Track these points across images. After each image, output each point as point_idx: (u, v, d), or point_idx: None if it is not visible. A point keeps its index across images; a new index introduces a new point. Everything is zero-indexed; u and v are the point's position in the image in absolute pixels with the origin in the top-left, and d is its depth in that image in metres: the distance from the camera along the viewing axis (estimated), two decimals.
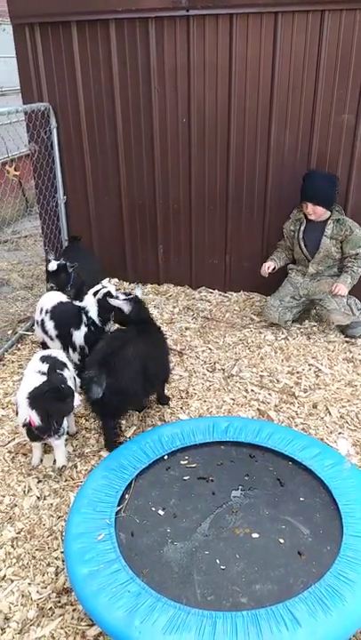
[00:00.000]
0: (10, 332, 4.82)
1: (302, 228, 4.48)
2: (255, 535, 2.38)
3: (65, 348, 3.78)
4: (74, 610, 2.34)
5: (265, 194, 4.94)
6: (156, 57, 4.65)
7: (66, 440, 3.22)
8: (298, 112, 4.56)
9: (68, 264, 4.25)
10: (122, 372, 3.01)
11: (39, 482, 3.05)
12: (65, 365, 3.22)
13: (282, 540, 2.36)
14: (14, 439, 3.39)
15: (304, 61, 4.38)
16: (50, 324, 3.81)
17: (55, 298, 3.95)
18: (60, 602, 2.38)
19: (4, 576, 2.51)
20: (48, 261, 4.31)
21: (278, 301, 4.62)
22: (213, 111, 4.74)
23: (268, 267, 4.67)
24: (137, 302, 3.48)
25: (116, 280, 5.63)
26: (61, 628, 2.28)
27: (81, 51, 4.77)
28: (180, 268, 5.47)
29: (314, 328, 4.72)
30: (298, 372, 4.06)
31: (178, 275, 5.52)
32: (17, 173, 4.49)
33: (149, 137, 4.95)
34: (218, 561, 2.26)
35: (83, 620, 2.30)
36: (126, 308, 3.38)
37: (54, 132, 5.03)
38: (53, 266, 4.24)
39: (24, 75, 4.96)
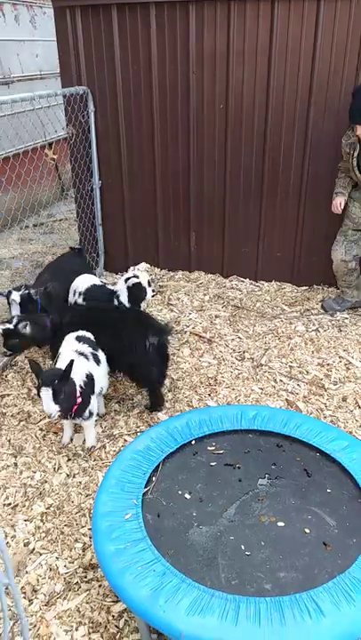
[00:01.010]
0: None
1: (356, 153, 4.13)
2: (281, 524, 2.39)
3: None
4: (100, 586, 2.40)
5: (301, 183, 4.88)
6: (196, 41, 4.61)
7: (95, 421, 3.28)
8: (338, 98, 4.47)
9: (31, 292, 3.91)
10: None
11: (69, 460, 3.13)
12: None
13: (307, 530, 2.35)
14: (46, 418, 3.47)
15: (346, 46, 4.29)
16: None
17: (89, 280, 4.03)
18: (86, 577, 2.45)
19: (33, 549, 2.59)
20: (9, 293, 3.92)
21: (343, 237, 4.52)
22: (251, 98, 4.68)
23: (339, 203, 4.37)
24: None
25: (147, 266, 5.65)
26: (87, 603, 2.35)
27: (121, 34, 4.75)
28: (212, 255, 5.45)
29: (346, 320, 4.66)
30: (328, 364, 4.02)
31: (209, 262, 5.50)
32: (55, 157, 4.53)
33: (186, 123, 4.92)
34: (243, 546, 2.28)
35: (108, 596, 2.36)
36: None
37: (92, 115, 5.05)
38: (16, 297, 3.86)
39: (64, 58, 4.98)
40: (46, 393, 2.72)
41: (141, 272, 4.03)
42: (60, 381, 2.74)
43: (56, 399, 2.73)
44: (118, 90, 4.96)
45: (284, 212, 5.04)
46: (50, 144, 5.48)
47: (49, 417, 2.80)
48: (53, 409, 2.74)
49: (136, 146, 5.16)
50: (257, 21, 4.40)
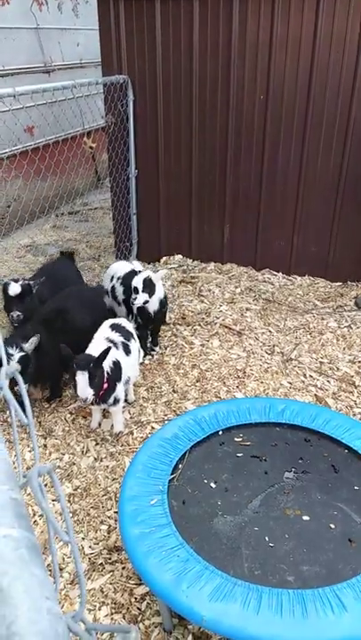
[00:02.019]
0: None
1: None
2: (306, 517, 2.38)
3: (129, 313, 4.00)
4: (123, 568, 2.44)
5: (339, 178, 4.80)
6: (238, 32, 4.57)
7: (123, 407, 3.32)
8: None
9: (31, 283, 3.60)
10: None
11: (97, 444, 3.18)
12: (132, 335, 3.30)
13: (333, 526, 2.35)
14: (75, 402, 3.53)
15: None
16: (120, 290, 4.05)
17: (127, 267, 4.10)
18: (110, 559, 2.49)
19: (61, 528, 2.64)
20: (6, 284, 3.56)
21: None
22: (293, 90, 4.62)
23: None
24: None
25: (180, 256, 5.67)
26: (110, 584, 2.39)
27: (163, 24, 4.75)
28: (245, 248, 5.43)
29: None
30: (359, 362, 3.97)
31: (242, 255, 5.48)
32: (93, 145, 4.57)
33: (225, 113, 4.89)
34: (267, 538, 2.28)
35: (131, 578, 2.40)
36: None
37: (131, 104, 5.06)
38: (16, 289, 3.49)
39: (105, 47, 5.00)
40: (82, 377, 2.77)
41: (150, 274, 3.79)
42: (95, 366, 2.79)
43: (92, 383, 2.78)
44: (158, 79, 4.96)
45: (321, 207, 4.97)
46: (88, 133, 5.52)
47: (83, 401, 2.84)
48: (88, 393, 2.78)
49: (174, 136, 5.16)
50: (301, 11, 4.33)
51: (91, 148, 4.51)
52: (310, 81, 4.52)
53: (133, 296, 3.70)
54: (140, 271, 3.86)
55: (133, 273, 3.93)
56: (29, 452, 3.09)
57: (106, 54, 5.03)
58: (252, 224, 5.28)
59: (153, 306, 3.84)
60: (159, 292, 3.88)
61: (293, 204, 5.03)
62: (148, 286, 3.69)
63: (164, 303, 3.99)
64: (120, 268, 4.19)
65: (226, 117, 4.90)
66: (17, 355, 2.95)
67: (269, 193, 5.07)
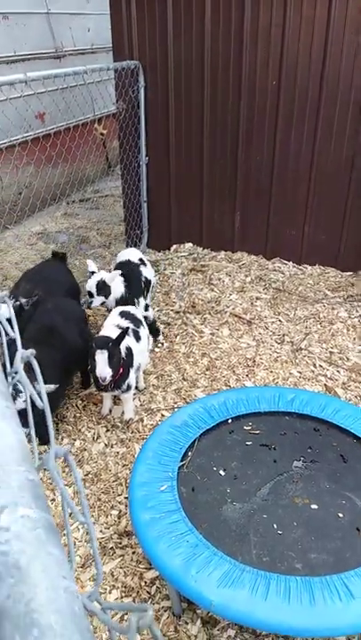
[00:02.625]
0: None
1: None
2: (314, 506, 2.40)
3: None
4: (133, 552, 2.48)
5: (352, 165, 4.74)
6: (251, 14, 4.49)
7: (134, 395, 3.34)
8: None
9: (22, 303, 3.33)
10: None
11: (107, 431, 3.21)
12: (141, 323, 3.31)
13: (341, 515, 2.36)
14: (87, 389, 3.56)
15: None
16: None
17: (130, 255, 4.12)
18: (120, 543, 2.53)
19: (71, 513, 2.67)
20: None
21: None
22: (305, 75, 4.55)
23: None
24: None
25: (191, 245, 5.65)
26: (121, 568, 2.43)
27: (175, 9, 4.68)
28: (256, 236, 5.39)
29: None
30: None
31: (253, 244, 5.45)
32: (104, 132, 4.55)
33: (236, 100, 4.84)
34: (275, 525, 2.30)
35: (141, 562, 2.43)
36: None
37: (142, 91, 5.02)
38: (5, 312, 3.28)
39: (117, 32, 4.96)
40: (102, 356, 2.79)
41: (103, 276, 3.67)
42: (113, 345, 2.81)
43: (111, 363, 2.80)
44: (170, 65, 4.91)
45: (332, 196, 4.92)
46: (99, 119, 5.50)
47: (102, 380, 2.86)
48: (108, 372, 2.80)
49: (185, 123, 5.12)
50: None
51: (102, 134, 4.49)
52: (323, 66, 4.45)
53: (88, 300, 3.70)
54: (92, 272, 3.72)
55: (130, 264, 3.99)
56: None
57: (117, 39, 4.99)
58: (263, 212, 5.24)
59: (110, 306, 3.77)
60: (116, 292, 3.75)
61: (305, 192, 4.99)
62: (103, 289, 3.66)
63: (122, 301, 3.77)
64: (125, 255, 4.20)
65: (237, 104, 4.85)
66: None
67: (281, 181, 5.03)
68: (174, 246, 5.67)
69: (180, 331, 4.25)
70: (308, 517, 2.35)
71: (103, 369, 2.79)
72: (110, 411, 3.35)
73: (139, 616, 0.46)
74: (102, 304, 3.74)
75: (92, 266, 3.77)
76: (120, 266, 3.98)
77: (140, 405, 3.42)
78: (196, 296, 4.76)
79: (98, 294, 3.65)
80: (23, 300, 3.30)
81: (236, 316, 4.45)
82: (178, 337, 4.17)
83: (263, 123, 4.85)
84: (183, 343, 4.08)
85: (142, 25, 4.84)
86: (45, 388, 2.56)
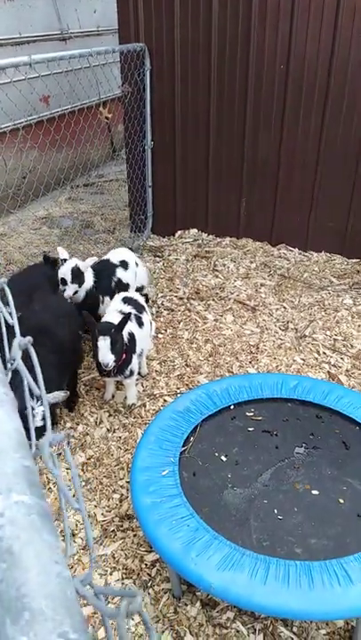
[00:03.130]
0: None
1: None
2: (315, 492, 2.41)
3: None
4: (134, 535, 2.51)
5: (359, 153, 4.68)
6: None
7: (136, 380, 3.35)
8: None
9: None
10: None
11: (110, 416, 3.23)
12: (144, 308, 3.31)
13: (342, 501, 2.37)
14: (90, 374, 3.58)
15: None
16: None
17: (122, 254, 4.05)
18: (122, 526, 2.56)
19: (73, 495, 2.71)
20: None
21: None
22: (314, 59, 4.48)
23: None
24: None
25: (196, 231, 5.62)
26: (122, 550, 2.46)
27: None
28: (262, 223, 5.36)
29: None
30: None
31: (258, 230, 5.42)
32: (109, 115, 4.51)
33: (243, 85, 4.78)
34: (275, 511, 2.32)
35: (142, 545, 2.46)
36: None
37: (147, 74, 4.96)
38: None
39: (123, 14, 4.88)
40: (104, 342, 2.80)
41: (77, 262, 3.54)
42: (116, 331, 2.81)
43: (113, 349, 2.81)
44: (176, 48, 4.84)
45: (339, 182, 4.87)
46: (104, 102, 5.45)
47: (105, 366, 2.86)
48: (110, 358, 2.81)
49: (191, 107, 5.06)
50: None
51: (106, 118, 4.45)
52: (333, 51, 4.38)
53: (61, 287, 3.46)
54: (64, 260, 3.58)
55: (104, 263, 3.86)
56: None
57: (123, 21, 4.91)
58: (269, 198, 5.20)
59: (77, 298, 3.59)
60: (88, 283, 3.62)
61: (311, 178, 4.94)
62: (78, 276, 3.48)
63: (90, 295, 3.67)
64: (115, 255, 4.02)
65: (245, 88, 4.79)
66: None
67: (287, 167, 4.98)
68: (179, 232, 5.64)
69: (183, 317, 4.25)
70: (309, 503, 2.36)
71: (105, 355, 2.80)
72: (113, 396, 3.37)
73: (128, 601, 0.47)
74: (74, 294, 3.51)
75: (63, 253, 3.62)
76: (98, 263, 3.82)
77: (143, 391, 3.44)
78: (201, 282, 4.75)
79: (72, 281, 3.47)
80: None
81: (240, 302, 4.45)
82: (181, 323, 4.17)
83: (271, 107, 4.79)
84: (187, 329, 4.09)
85: (149, 7, 4.77)
86: (56, 396, 2.52)
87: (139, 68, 4.92)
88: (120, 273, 3.87)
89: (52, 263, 3.84)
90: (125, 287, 3.83)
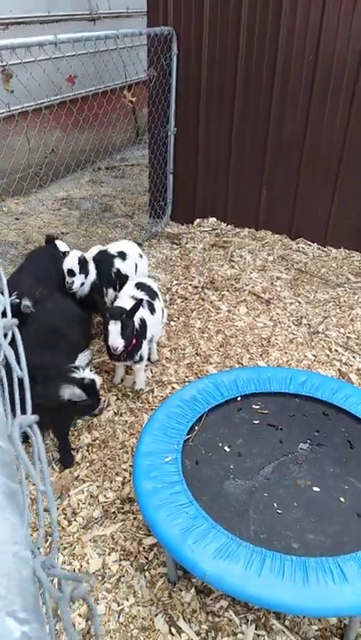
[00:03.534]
0: None
1: None
2: (316, 489, 2.41)
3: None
4: (134, 518, 2.53)
5: None
6: None
7: (146, 366, 3.36)
8: None
9: (22, 305, 3.03)
10: None
11: (117, 399, 3.25)
12: (156, 295, 3.31)
13: (342, 499, 2.36)
14: (100, 357, 3.60)
15: None
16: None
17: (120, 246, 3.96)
18: (123, 509, 2.59)
19: (78, 476, 2.75)
20: None
21: None
22: (344, 50, 4.38)
23: None
24: None
25: (214, 220, 5.59)
26: (121, 532, 2.49)
27: None
28: (282, 215, 5.30)
29: None
30: None
31: (277, 222, 5.37)
32: (133, 99, 4.47)
33: (270, 73, 4.70)
34: (275, 504, 2.32)
35: (141, 529, 2.49)
36: None
37: (174, 58, 4.91)
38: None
39: None
40: (115, 326, 2.80)
41: (82, 253, 3.46)
42: (127, 316, 2.82)
43: (123, 334, 2.82)
44: (204, 33, 4.78)
45: None
46: (129, 86, 5.42)
47: (114, 350, 2.86)
48: (120, 343, 2.82)
49: (216, 93, 5.00)
50: None
51: (130, 102, 4.41)
52: None
53: (69, 279, 3.32)
54: (66, 252, 3.46)
55: (103, 254, 3.74)
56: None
57: (151, 4, 4.86)
58: (291, 190, 5.14)
59: (83, 291, 3.48)
60: (92, 275, 3.50)
61: (335, 172, 4.86)
62: (84, 266, 3.36)
63: (95, 287, 3.56)
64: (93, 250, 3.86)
65: (272, 76, 4.71)
66: None
67: (310, 159, 4.91)
68: (198, 220, 5.61)
69: (196, 306, 4.24)
70: (309, 499, 2.36)
71: (115, 339, 2.81)
72: (122, 380, 3.39)
73: (73, 586, 0.47)
74: (81, 285, 3.40)
75: (63, 246, 3.50)
76: (96, 254, 3.73)
77: (152, 377, 3.45)
78: (216, 272, 4.73)
79: (80, 272, 3.36)
80: (28, 303, 3.02)
81: (254, 294, 4.42)
82: (194, 312, 4.16)
83: (297, 97, 4.71)
84: (199, 318, 4.08)
85: None
86: (87, 356, 2.52)
87: (165, 52, 4.87)
88: (118, 263, 3.75)
89: (55, 244, 3.86)
90: (125, 278, 3.72)
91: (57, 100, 5.35)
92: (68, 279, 3.35)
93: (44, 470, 0.64)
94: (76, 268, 3.35)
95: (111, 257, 3.76)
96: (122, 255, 3.81)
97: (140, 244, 4.39)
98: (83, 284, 3.45)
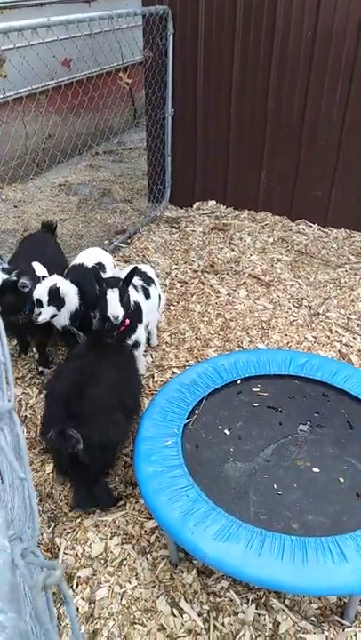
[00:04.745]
0: (106, 242, 4.97)
1: None
2: (316, 470, 2.42)
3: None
4: (136, 502, 2.56)
5: None
6: None
7: (146, 351, 3.36)
8: None
9: (20, 282, 2.93)
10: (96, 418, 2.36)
11: None
12: (152, 281, 3.30)
13: (342, 480, 2.37)
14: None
15: None
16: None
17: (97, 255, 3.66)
18: (125, 492, 2.61)
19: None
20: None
21: None
22: (342, 27, 4.29)
23: None
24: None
25: (214, 202, 5.54)
26: (123, 517, 2.51)
27: None
28: (281, 196, 5.25)
29: None
30: None
31: (277, 204, 5.32)
32: (129, 81, 4.40)
33: (268, 52, 4.61)
34: (275, 486, 2.33)
35: (143, 512, 2.51)
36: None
37: (170, 38, 4.83)
38: None
39: None
40: (113, 294, 2.76)
41: (57, 281, 3.04)
42: (123, 284, 2.80)
43: (122, 301, 2.78)
44: (201, 11, 4.69)
45: None
46: (125, 68, 5.34)
47: (114, 319, 2.78)
48: (121, 310, 2.78)
49: (213, 74, 4.92)
50: None
51: (127, 84, 4.35)
52: None
53: (36, 310, 2.98)
54: (43, 277, 3.13)
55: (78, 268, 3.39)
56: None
57: None
58: (290, 171, 5.08)
59: (61, 321, 3.13)
60: (71, 304, 3.11)
61: (335, 152, 4.80)
62: (55, 298, 2.99)
63: (75, 318, 3.17)
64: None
65: (269, 55, 4.63)
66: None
67: (310, 139, 4.84)
68: (197, 203, 5.57)
69: (196, 290, 4.23)
70: (309, 480, 2.37)
71: (115, 307, 2.76)
72: None
73: (47, 574, 0.47)
74: (52, 317, 3.05)
75: (40, 269, 3.19)
76: (71, 271, 3.34)
77: (152, 362, 3.46)
78: (216, 255, 4.70)
79: (49, 303, 2.98)
80: (25, 281, 2.95)
81: (254, 277, 4.40)
82: (194, 296, 4.15)
83: (295, 77, 4.63)
84: (199, 302, 4.07)
85: None
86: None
87: (161, 32, 4.79)
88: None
89: (51, 229, 3.84)
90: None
91: (52, 85, 5.28)
92: (35, 309, 3.00)
93: (23, 457, 0.63)
94: (45, 299, 2.96)
95: (89, 271, 3.28)
96: (101, 267, 3.43)
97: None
98: (54, 317, 3.06)
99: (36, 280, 3.08)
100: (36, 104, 5.02)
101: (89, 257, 3.48)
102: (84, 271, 3.32)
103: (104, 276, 3.24)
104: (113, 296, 2.77)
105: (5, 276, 2.92)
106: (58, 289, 2.99)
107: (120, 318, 2.80)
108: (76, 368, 2.57)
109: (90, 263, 3.40)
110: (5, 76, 3.87)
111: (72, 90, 5.00)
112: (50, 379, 2.81)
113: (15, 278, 2.94)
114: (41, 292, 2.97)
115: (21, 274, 2.99)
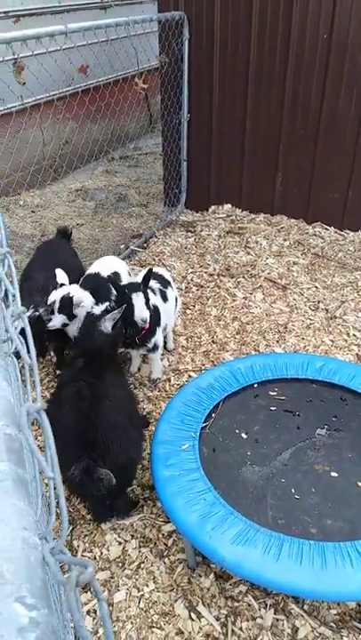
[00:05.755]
0: (122, 247, 5.00)
1: None
2: (334, 474, 2.40)
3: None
4: (154, 505, 2.56)
5: None
6: None
7: (162, 355, 3.37)
8: None
9: (40, 313, 2.98)
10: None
11: (135, 388, 3.27)
12: (169, 283, 3.31)
13: (360, 484, 2.35)
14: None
15: None
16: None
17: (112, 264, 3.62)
18: (142, 495, 2.61)
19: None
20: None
21: None
22: (359, 30, 4.27)
23: None
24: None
25: (229, 206, 5.55)
26: (140, 520, 2.51)
27: None
28: (297, 199, 5.23)
29: None
30: None
31: (293, 207, 5.30)
32: (145, 86, 4.44)
33: (284, 55, 4.61)
34: (293, 490, 2.32)
35: (160, 516, 2.51)
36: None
37: (186, 44, 4.86)
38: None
39: None
40: (138, 297, 2.77)
41: (72, 290, 3.08)
42: (144, 287, 2.81)
43: (147, 304, 2.79)
44: (216, 17, 4.70)
45: None
46: (141, 73, 5.38)
47: (143, 321, 2.79)
48: (147, 313, 2.79)
49: (229, 79, 4.93)
50: None
51: (143, 89, 4.38)
52: None
53: (47, 316, 2.99)
54: (61, 284, 3.14)
55: (92, 277, 3.37)
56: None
57: None
58: (306, 174, 5.06)
59: (74, 330, 3.07)
60: (82, 316, 3.03)
61: (351, 154, 4.77)
62: (66, 307, 2.99)
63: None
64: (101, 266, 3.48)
65: (285, 59, 4.62)
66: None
67: (326, 142, 4.82)
68: (212, 207, 5.58)
69: (212, 293, 4.23)
70: (327, 484, 2.35)
71: (142, 310, 2.78)
72: (139, 369, 3.41)
73: (79, 571, 0.48)
74: (64, 326, 3.07)
75: (62, 276, 3.17)
76: (86, 280, 3.34)
77: (169, 366, 3.46)
78: (232, 259, 4.70)
79: (60, 312, 2.98)
80: (42, 311, 2.98)
81: (270, 280, 4.39)
82: (210, 300, 4.15)
83: (311, 80, 4.62)
84: (215, 306, 4.07)
85: None
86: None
87: (177, 38, 4.82)
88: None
89: (67, 235, 3.87)
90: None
91: (69, 91, 5.34)
92: (46, 313, 3.02)
93: (52, 457, 0.64)
94: (56, 307, 2.99)
95: (107, 281, 3.28)
96: (117, 276, 3.41)
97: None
98: (66, 325, 3.07)
99: (56, 286, 3.11)
100: (53, 110, 5.08)
101: (104, 266, 3.46)
102: (99, 281, 3.30)
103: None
104: (138, 300, 2.78)
105: (29, 313, 2.87)
106: (71, 298, 2.97)
107: (148, 321, 2.81)
108: (74, 393, 2.28)
109: (105, 272, 3.38)
110: (24, 83, 3.93)
111: (89, 96, 5.05)
112: (49, 407, 2.70)
113: (37, 314, 2.94)
114: (54, 299, 2.99)
115: (37, 306, 2.99)
